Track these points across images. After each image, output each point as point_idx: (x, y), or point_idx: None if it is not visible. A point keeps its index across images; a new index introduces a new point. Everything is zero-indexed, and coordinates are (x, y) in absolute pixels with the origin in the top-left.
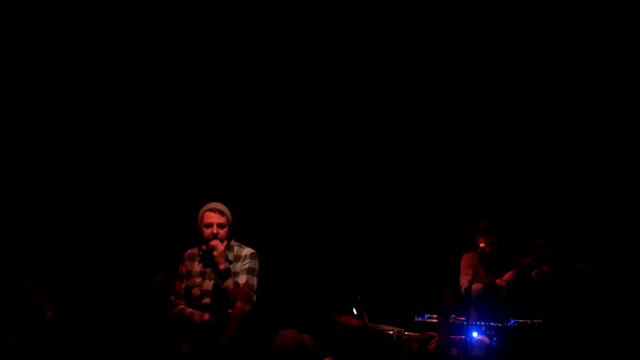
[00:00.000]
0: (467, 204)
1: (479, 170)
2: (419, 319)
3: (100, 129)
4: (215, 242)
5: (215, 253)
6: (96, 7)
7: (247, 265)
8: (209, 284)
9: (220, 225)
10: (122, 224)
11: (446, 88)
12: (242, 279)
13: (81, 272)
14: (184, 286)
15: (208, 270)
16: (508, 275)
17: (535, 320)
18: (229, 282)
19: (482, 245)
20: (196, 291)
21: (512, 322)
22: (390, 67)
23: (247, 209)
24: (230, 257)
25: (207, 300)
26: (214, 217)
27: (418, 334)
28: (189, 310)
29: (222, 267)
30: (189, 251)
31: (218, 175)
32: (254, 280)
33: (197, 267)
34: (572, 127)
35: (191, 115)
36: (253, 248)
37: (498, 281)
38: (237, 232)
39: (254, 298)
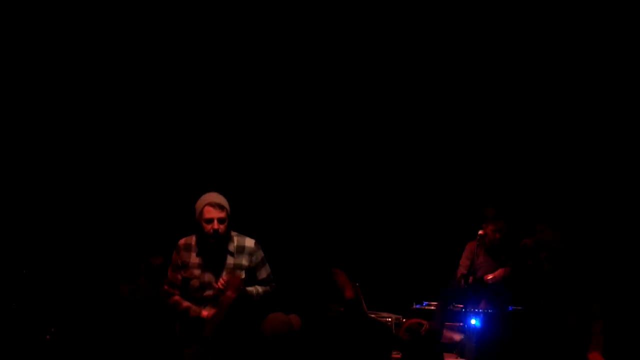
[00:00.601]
0: (467, 191)
1: (480, 157)
2: (417, 306)
3: (96, 116)
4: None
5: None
6: (96, 7)
7: (260, 258)
8: (210, 277)
9: (220, 221)
10: (117, 210)
11: (447, 78)
12: (266, 271)
13: (78, 262)
14: (179, 277)
15: (205, 263)
16: (498, 273)
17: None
18: (254, 289)
19: (481, 232)
20: (195, 282)
21: (510, 309)
22: (390, 62)
23: (245, 196)
24: (232, 248)
25: (208, 292)
26: (214, 212)
27: (405, 323)
28: (186, 304)
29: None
30: (183, 240)
31: (214, 162)
32: (269, 269)
33: (194, 258)
34: (573, 117)
35: (186, 104)
36: (252, 237)
37: (486, 277)
38: (235, 220)
39: (273, 285)
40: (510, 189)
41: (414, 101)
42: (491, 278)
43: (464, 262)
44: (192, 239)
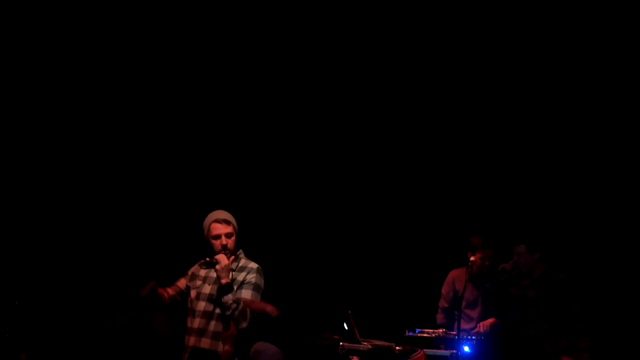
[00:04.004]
0: (456, 219)
1: (469, 185)
2: (410, 333)
3: (94, 152)
4: (220, 256)
5: (217, 267)
6: (96, 7)
7: (253, 280)
8: (207, 288)
9: (227, 235)
10: (115, 242)
11: (434, 104)
12: (246, 293)
13: (72, 293)
14: (183, 281)
15: (211, 275)
16: (488, 323)
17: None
18: (228, 297)
19: (472, 259)
20: (193, 293)
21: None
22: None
23: (239, 225)
24: (234, 266)
25: (201, 304)
26: (220, 228)
27: (399, 349)
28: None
29: (224, 281)
30: (197, 264)
31: (206, 196)
32: (258, 297)
33: (201, 272)
34: (555, 140)
35: (183, 132)
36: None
37: (480, 325)
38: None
39: (239, 311)
40: (494, 215)
41: (403, 131)
42: (483, 327)
43: (445, 292)
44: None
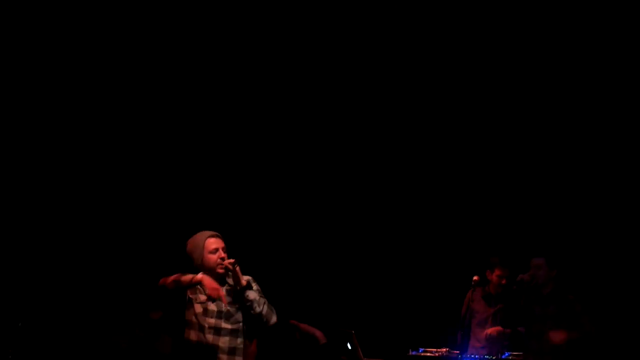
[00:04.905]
0: (462, 238)
1: (475, 204)
2: (414, 352)
3: (90, 166)
4: (232, 260)
5: (237, 268)
6: (96, 7)
7: (256, 287)
8: (212, 305)
9: (224, 250)
10: (116, 263)
11: (452, 119)
12: (253, 294)
13: (75, 314)
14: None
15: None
16: (495, 330)
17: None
18: (254, 294)
19: (475, 278)
20: (198, 307)
21: (506, 354)
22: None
23: (238, 239)
24: (230, 281)
25: (210, 320)
26: (217, 242)
27: None
28: (174, 275)
29: (244, 282)
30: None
31: (204, 209)
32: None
33: (201, 296)
34: (565, 147)
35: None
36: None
37: (486, 332)
38: None
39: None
40: (508, 235)
41: (414, 145)
42: (490, 333)
43: (463, 313)
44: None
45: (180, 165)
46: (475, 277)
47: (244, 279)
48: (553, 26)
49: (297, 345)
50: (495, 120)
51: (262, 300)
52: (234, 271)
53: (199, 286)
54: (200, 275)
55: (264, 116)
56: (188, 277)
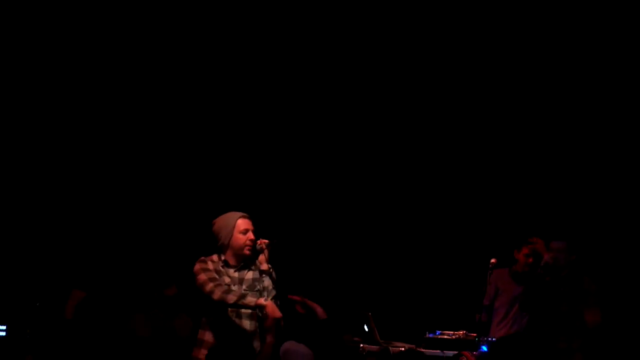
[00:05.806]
0: (477, 221)
1: (493, 187)
2: (431, 335)
3: (105, 147)
4: (267, 241)
5: (267, 250)
6: (96, 7)
7: (273, 278)
8: (239, 288)
9: (253, 232)
10: (130, 241)
11: (465, 116)
12: (268, 282)
13: (91, 292)
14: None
15: (247, 278)
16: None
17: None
18: (267, 280)
19: (493, 261)
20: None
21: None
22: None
23: (255, 224)
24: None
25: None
26: (248, 224)
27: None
28: (235, 294)
29: (267, 266)
30: (209, 260)
31: (225, 189)
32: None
33: (231, 271)
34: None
35: (194, 133)
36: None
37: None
38: None
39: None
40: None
41: (425, 134)
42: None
43: (488, 291)
44: (215, 257)
45: (192, 152)
46: (492, 260)
47: (267, 265)
48: (553, 26)
49: (298, 319)
50: (528, 104)
51: (273, 292)
52: (264, 252)
53: (257, 310)
54: (264, 301)
55: (280, 108)
56: (251, 300)
